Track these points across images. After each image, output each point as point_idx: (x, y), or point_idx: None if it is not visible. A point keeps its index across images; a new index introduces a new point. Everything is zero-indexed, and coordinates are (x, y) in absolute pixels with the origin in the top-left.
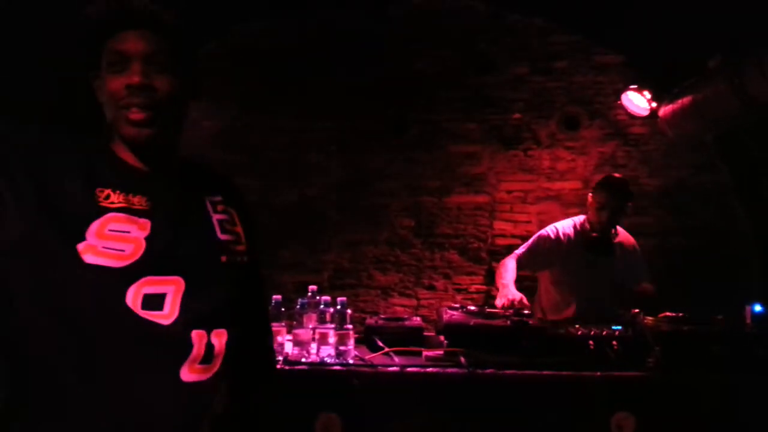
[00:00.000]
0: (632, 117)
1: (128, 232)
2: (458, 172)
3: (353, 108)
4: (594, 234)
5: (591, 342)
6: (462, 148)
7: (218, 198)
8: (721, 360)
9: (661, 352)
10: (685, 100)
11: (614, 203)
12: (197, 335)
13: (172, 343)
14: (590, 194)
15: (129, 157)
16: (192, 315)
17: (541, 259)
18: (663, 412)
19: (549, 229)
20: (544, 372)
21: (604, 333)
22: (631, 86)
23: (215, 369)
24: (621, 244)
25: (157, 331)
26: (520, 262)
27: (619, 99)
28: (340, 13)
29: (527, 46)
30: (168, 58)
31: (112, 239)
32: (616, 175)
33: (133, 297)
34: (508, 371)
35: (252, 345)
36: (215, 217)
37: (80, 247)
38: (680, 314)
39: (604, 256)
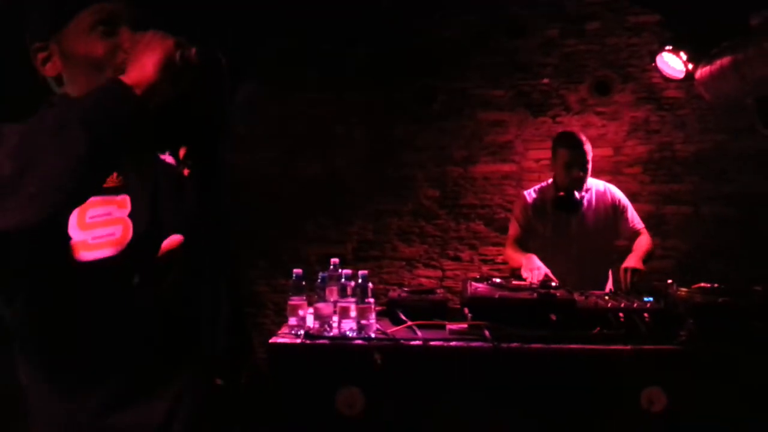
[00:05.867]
0: (667, 80)
1: (110, 214)
2: (485, 141)
3: (379, 77)
4: (560, 193)
5: (621, 314)
6: (489, 115)
7: (169, 160)
8: (758, 334)
9: (694, 325)
10: (725, 60)
11: (583, 157)
12: None
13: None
14: (553, 155)
15: None
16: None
17: (532, 223)
18: (695, 388)
19: (524, 195)
20: (572, 346)
21: (635, 305)
22: (667, 47)
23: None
24: (592, 199)
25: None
26: (519, 240)
27: (654, 61)
28: None
29: (560, 7)
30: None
31: (98, 227)
32: (569, 130)
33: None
34: (534, 345)
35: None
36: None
37: (73, 245)
38: (715, 285)
39: (573, 213)
